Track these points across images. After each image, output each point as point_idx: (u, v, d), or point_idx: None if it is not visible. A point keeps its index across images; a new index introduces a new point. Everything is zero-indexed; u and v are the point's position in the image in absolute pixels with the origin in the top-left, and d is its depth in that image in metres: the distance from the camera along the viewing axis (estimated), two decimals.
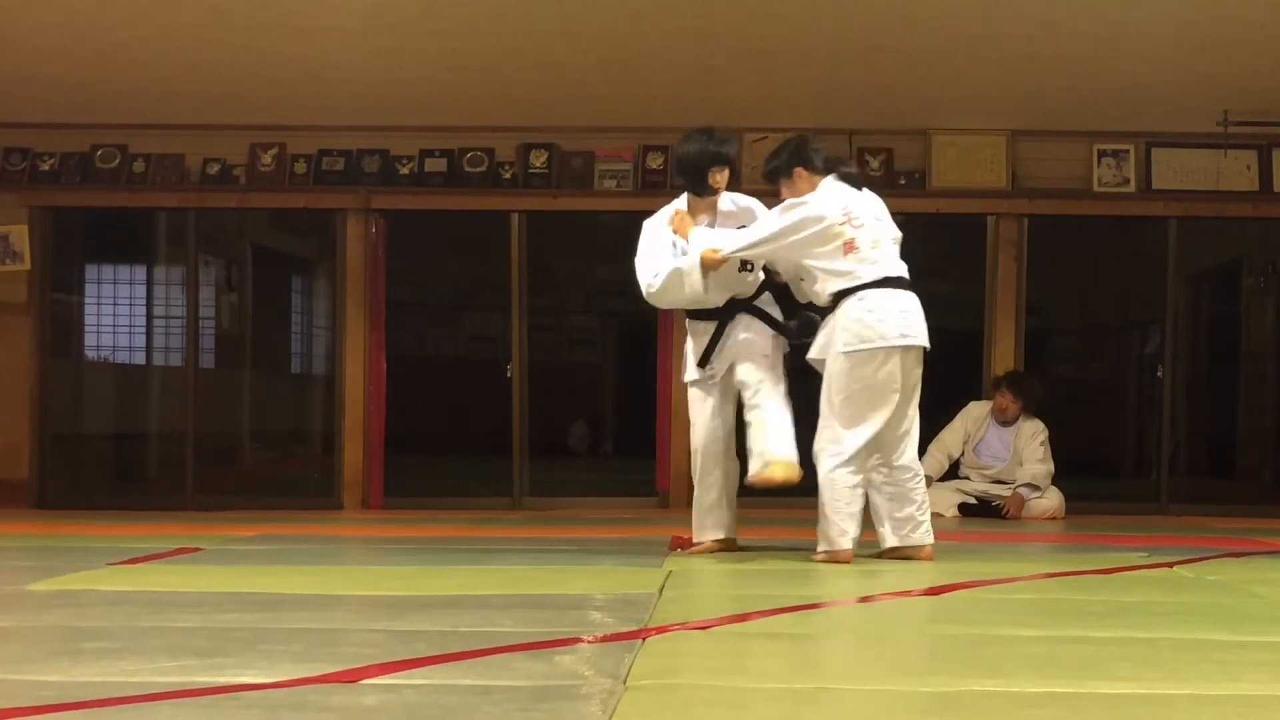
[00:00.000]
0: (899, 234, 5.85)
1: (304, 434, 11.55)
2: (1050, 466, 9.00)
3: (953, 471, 9.27)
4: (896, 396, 5.59)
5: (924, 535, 5.76)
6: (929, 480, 9.17)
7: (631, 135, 9.66)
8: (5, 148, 9.80)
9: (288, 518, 8.42)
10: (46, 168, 9.79)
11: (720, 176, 5.97)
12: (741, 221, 5.92)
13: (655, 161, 9.66)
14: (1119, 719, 2.76)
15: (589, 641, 3.50)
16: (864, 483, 5.62)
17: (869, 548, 5.79)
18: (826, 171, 5.79)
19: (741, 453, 5.97)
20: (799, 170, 5.80)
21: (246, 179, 9.74)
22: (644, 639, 3.53)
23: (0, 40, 8.16)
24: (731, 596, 4.82)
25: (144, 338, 11.03)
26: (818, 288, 5.68)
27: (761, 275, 5.94)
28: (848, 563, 5.53)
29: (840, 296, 5.60)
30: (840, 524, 5.55)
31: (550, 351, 12.40)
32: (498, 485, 9.88)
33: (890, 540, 5.77)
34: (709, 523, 5.99)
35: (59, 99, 9.24)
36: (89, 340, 11.02)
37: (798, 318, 5.88)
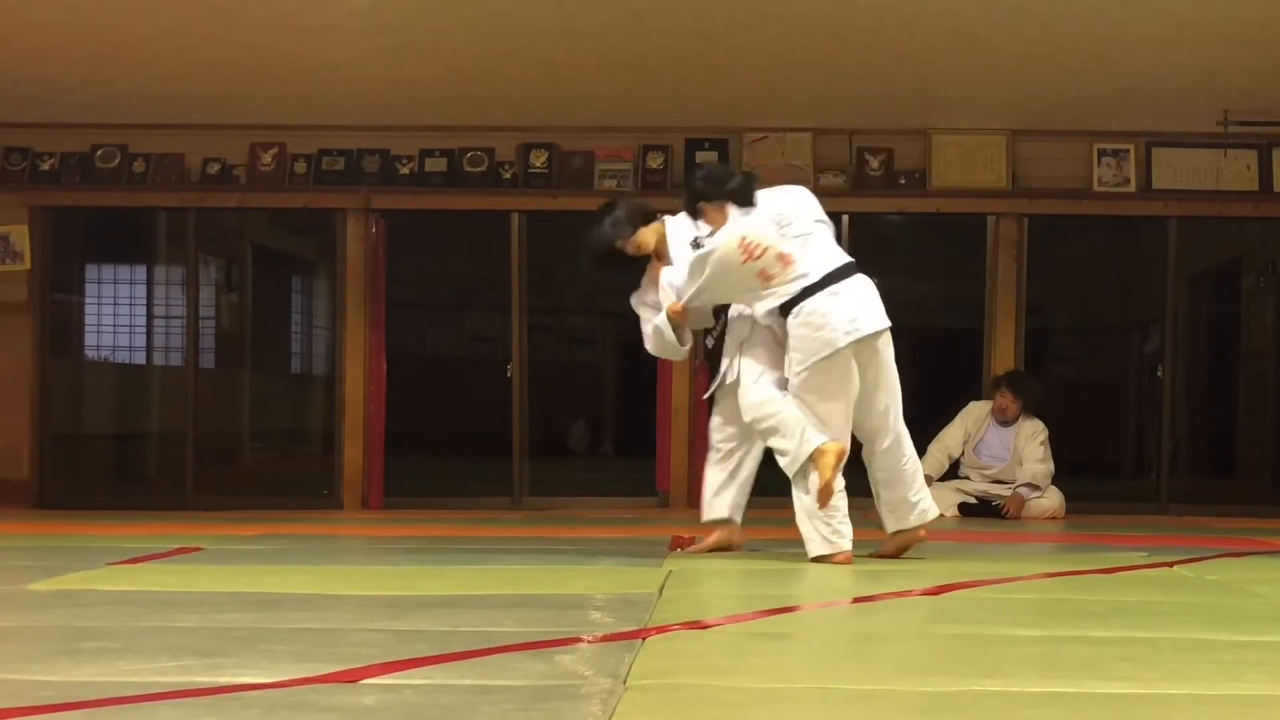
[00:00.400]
0: (827, 220, 5.80)
1: (304, 434, 11.55)
2: (1050, 466, 9.00)
3: (953, 471, 9.28)
4: (856, 389, 5.56)
5: (918, 517, 5.75)
6: (929, 480, 9.20)
7: (631, 135, 9.66)
8: (5, 148, 9.80)
9: (288, 518, 8.41)
10: (46, 168, 9.79)
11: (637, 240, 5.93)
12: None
13: (655, 161, 9.67)
14: (1119, 719, 2.76)
15: (589, 641, 3.50)
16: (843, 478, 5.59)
17: (866, 547, 5.79)
18: (726, 197, 5.71)
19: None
20: (702, 206, 5.78)
21: (246, 179, 9.75)
22: (644, 639, 3.53)
23: (0, 40, 8.16)
24: (731, 596, 4.82)
25: (144, 338, 11.03)
26: (759, 309, 5.67)
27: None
28: (848, 563, 5.52)
29: (783, 311, 5.57)
30: (833, 524, 5.54)
31: (550, 351, 12.40)
32: (498, 485, 9.88)
33: (889, 526, 5.79)
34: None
35: (59, 99, 9.24)
36: (89, 340, 11.02)
37: None
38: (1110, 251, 11.58)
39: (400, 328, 10.74)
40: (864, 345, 5.57)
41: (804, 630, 3.93)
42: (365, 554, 6.63)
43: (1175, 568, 5.59)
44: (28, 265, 9.78)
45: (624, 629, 3.71)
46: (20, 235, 9.76)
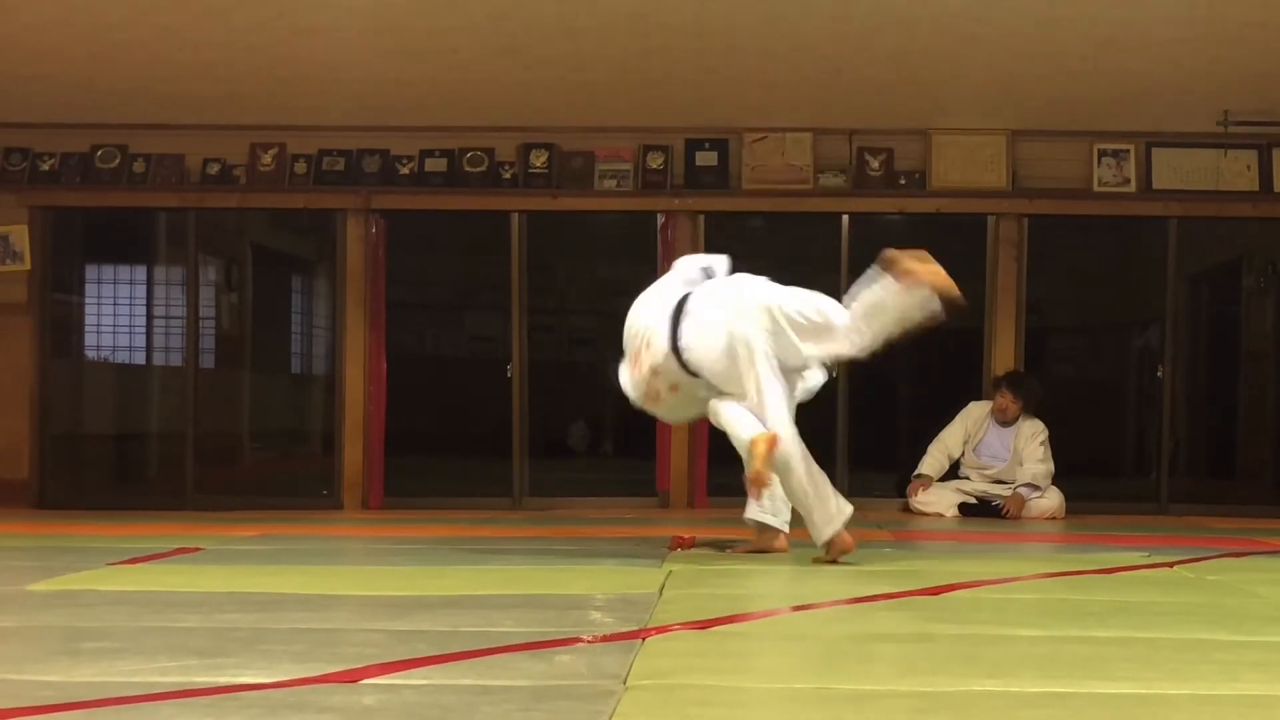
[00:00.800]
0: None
1: (304, 434, 11.54)
2: (1050, 466, 9.01)
3: (953, 472, 9.28)
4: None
5: (783, 523, 5.94)
6: (929, 480, 9.21)
7: (631, 135, 9.66)
8: (5, 148, 9.80)
9: (288, 518, 8.41)
10: (46, 168, 9.79)
11: None
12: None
13: (655, 161, 9.67)
14: (1119, 719, 2.76)
15: (589, 641, 3.50)
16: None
17: (868, 548, 5.79)
18: None
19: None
20: None
21: (246, 179, 9.75)
22: (644, 639, 3.53)
23: (0, 40, 8.16)
24: (731, 596, 4.81)
25: (144, 338, 11.03)
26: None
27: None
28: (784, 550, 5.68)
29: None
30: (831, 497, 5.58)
31: (550, 351, 12.39)
32: (498, 485, 9.88)
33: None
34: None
35: (59, 99, 9.24)
36: (89, 340, 11.02)
37: None
38: (1110, 251, 11.57)
39: (400, 328, 10.74)
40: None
41: (804, 630, 3.93)
42: (365, 554, 6.63)
43: (1175, 568, 5.60)
44: (28, 265, 9.78)
45: (624, 629, 3.72)
46: (20, 235, 9.76)
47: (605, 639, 3.54)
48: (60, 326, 10.34)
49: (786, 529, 5.96)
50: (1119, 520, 8.72)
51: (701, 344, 5.62)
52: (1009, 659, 3.38)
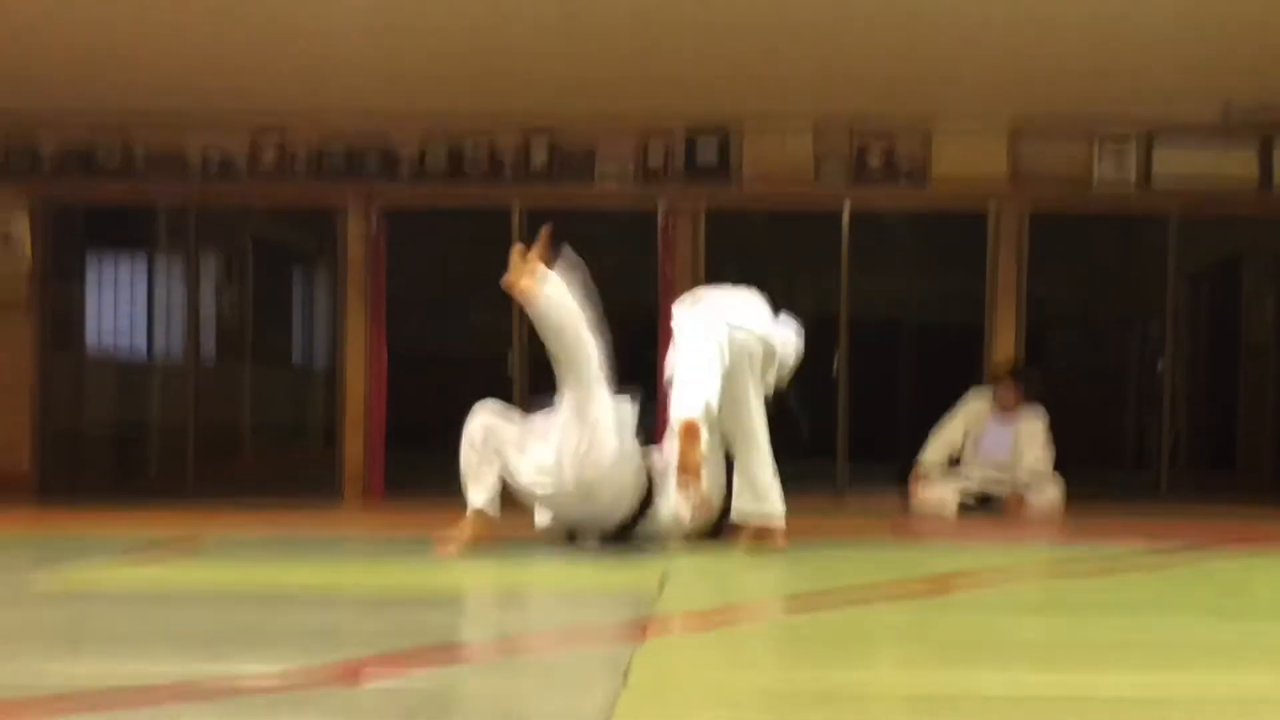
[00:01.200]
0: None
1: (305, 428, 11.55)
2: (1051, 453, 8.99)
3: (954, 467, 9.27)
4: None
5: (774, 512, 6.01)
6: (930, 471, 9.20)
7: (632, 128, 9.65)
8: (6, 140, 9.80)
9: (288, 512, 8.42)
10: (48, 160, 9.79)
11: None
12: None
13: (656, 155, 9.66)
14: (1119, 717, 2.76)
15: (589, 640, 3.50)
16: None
17: (868, 544, 5.79)
18: None
19: None
20: None
21: (248, 173, 9.74)
22: (644, 639, 3.54)
23: (1, 32, 8.15)
24: (732, 595, 4.82)
25: (145, 331, 11.03)
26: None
27: None
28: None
29: None
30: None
31: None
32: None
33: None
34: None
35: (60, 91, 9.23)
36: (90, 334, 11.02)
37: None
38: (1111, 246, 11.58)
39: (401, 321, 10.73)
40: None
41: (804, 629, 3.94)
42: (366, 549, 6.63)
43: (1175, 561, 5.60)
44: (28, 259, 9.78)
45: (624, 629, 3.72)
46: (21, 228, 9.75)
47: (605, 639, 3.54)
48: (61, 320, 10.34)
49: (779, 518, 5.94)
50: (1119, 513, 8.71)
51: None
52: (1009, 655, 3.38)
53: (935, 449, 9.23)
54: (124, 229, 11.10)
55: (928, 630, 3.91)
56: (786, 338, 6.06)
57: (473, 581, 4.95)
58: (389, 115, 9.56)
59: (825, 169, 9.58)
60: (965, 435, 9.24)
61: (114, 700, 2.73)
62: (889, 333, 12.72)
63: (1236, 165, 9.49)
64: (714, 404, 5.60)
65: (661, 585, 4.67)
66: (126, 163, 9.77)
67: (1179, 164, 9.52)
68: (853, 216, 9.66)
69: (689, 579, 4.96)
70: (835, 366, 9.66)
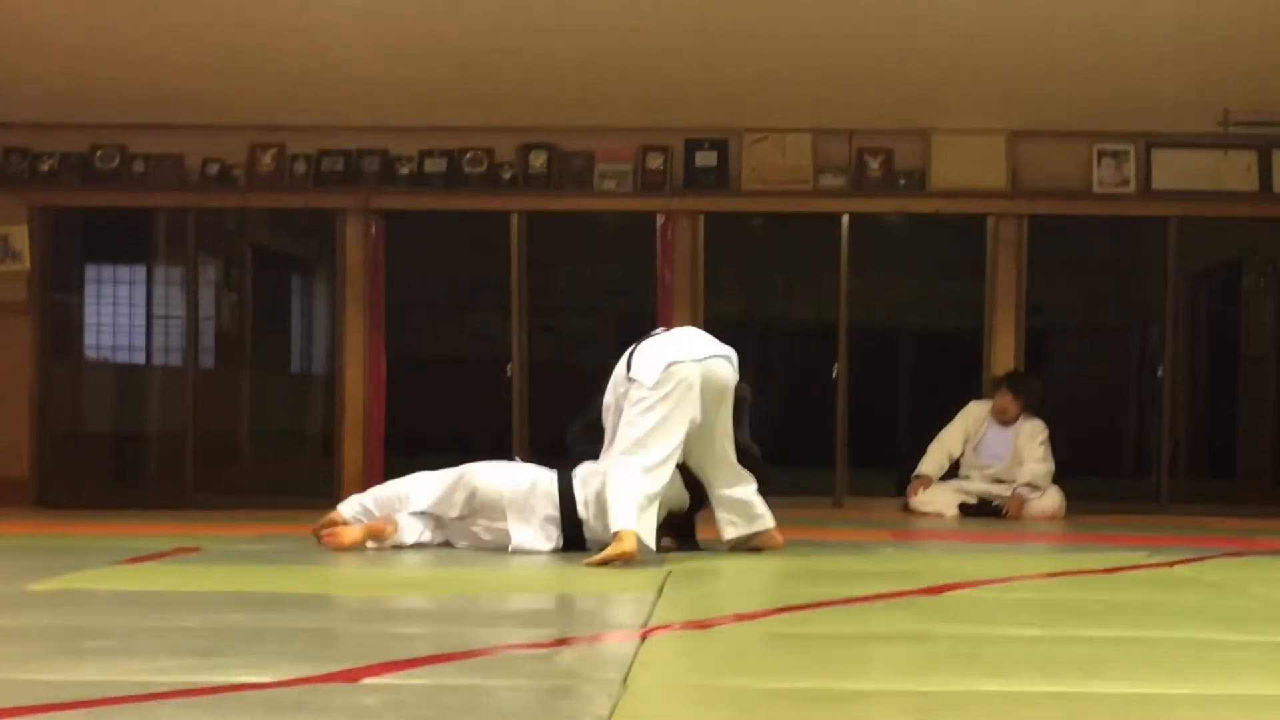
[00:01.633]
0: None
1: (303, 434, 11.55)
2: (1050, 466, 9.00)
3: (953, 471, 9.27)
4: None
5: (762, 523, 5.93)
6: (928, 480, 9.21)
7: (631, 135, 9.66)
8: (5, 148, 9.80)
9: (287, 518, 8.41)
10: (46, 168, 9.79)
11: None
12: None
13: (655, 162, 9.67)
14: (1119, 719, 2.76)
15: (589, 641, 3.50)
16: None
17: (867, 548, 5.79)
18: None
19: None
20: None
21: (246, 179, 9.74)
22: (644, 639, 3.53)
23: (0, 40, 8.15)
24: (731, 596, 4.82)
25: (144, 338, 11.03)
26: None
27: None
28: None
29: None
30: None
31: (550, 351, 12.40)
32: None
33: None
34: None
35: (59, 99, 9.24)
36: (89, 340, 11.02)
37: None
38: (1110, 252, 11.58)
39: (400, 328, 10.74)
40: None
41: (804, 630, 3.93)
42: (364, 554, 6.62)
43: (1175, 568, 5.59)
44: (28, 265, 9.78)
45: (624, 629, 3.72)
46: (20, 235, 9.75)
47: (605, 639, 3.54)
48: (60, 326, 10.34)
49: (771, 524, 5.92)
50: (1119, 520, 8.71)
51: None
52: (1008, 659, 3.38)
53: (934, 457, 9.23)
54: (123, 236, 11.10)
55: (927, 633, 3.90)
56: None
57: (472, 583, 4.94)
58: (388, 122, 9.56)
59: (824, 176, 9.58)
60: (965, 441, 9.24)
61: (112, 704, 2.73)
62: (889, 340, 12.73)
63: (1235, 171, 9.49)
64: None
65: (661, 586, 4.66)
66: (125, 170, 9.78)
67: (1178, 168, 9.51)
68: (852, 223, 9.66)
69: (689, 580, 4.95)
70: (834, 373, 9.65)
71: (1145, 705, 2.85)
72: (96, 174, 9.78)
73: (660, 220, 9.72)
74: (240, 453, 10.98)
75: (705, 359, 5.70)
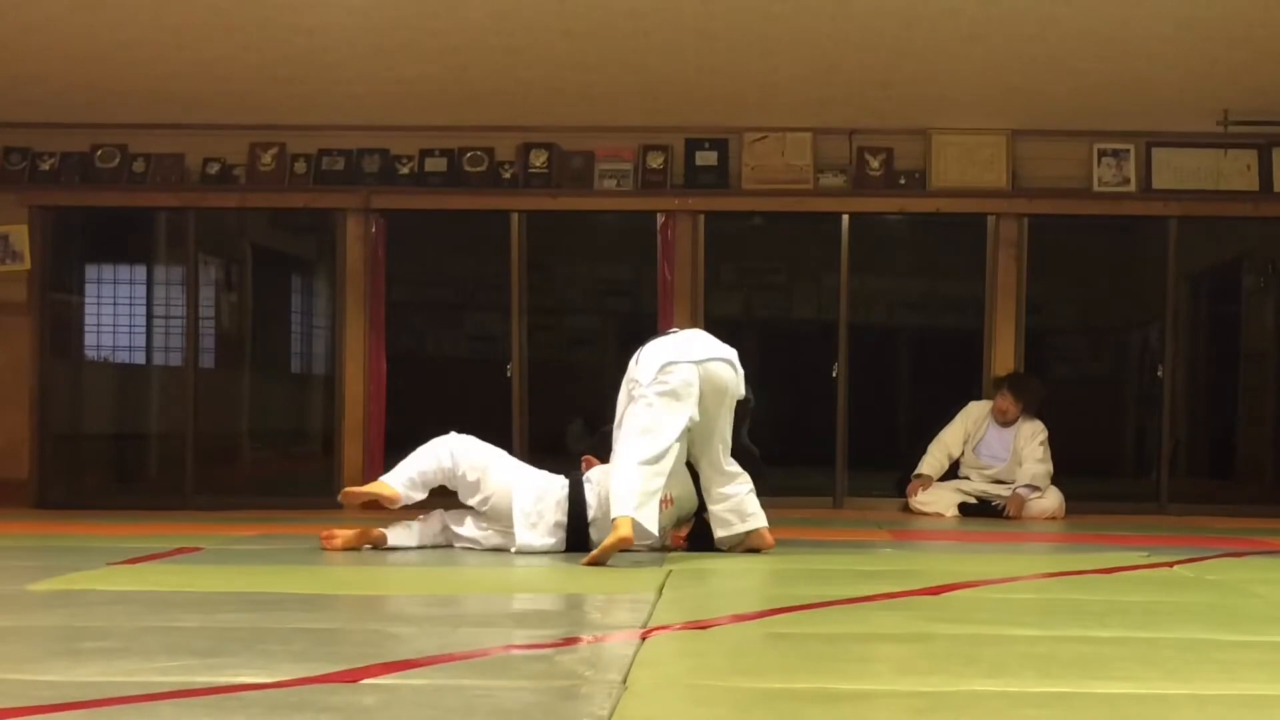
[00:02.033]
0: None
1: (304, 434, 11.54)
2: (1049, 467, 9.01)
3: (953, 472, 9.28)
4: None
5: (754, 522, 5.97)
6: (928, 480, 9.21)
7: (632, 135, 9.67)
8: (5, 148, 9.81)
9: (287, 518, 8.41)
10: (46, 167, 9.80)
11: None
12: None
13: (655, 161, 9.67)
14: (1119, 719, 2.76)
15: (589, 641, 3.50)
16: None
17: (867, 548, 5.79)
18: None
19: None
20: None
21: (246, 179, 9.75)
22: (644, 639, 3.53)
23: (0, 40, 8.15)
24: (731, 597, 4.82)
25: (144, 337, 11.03)
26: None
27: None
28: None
29: None
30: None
31: (550, 351, 12.39)
32: None
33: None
34: None
35: (59, 99, 9.24)
36: (89, 340, 11.02)
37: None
38: (1110, 251, 11.58)
39: (400, 327, 10.74)
40: None
41: (804, 630, 3.93)
42: (364, 554, 6.63)
43: (1175, 568, 5.60)
44: (27, 265, 9.79)
45: (624, 629, 3.72)
46: (20, 235, 9.76)
47: (605, 639, 3.54)
48: (60, 326, 10.35)
49: (763, 523, 5.94)
50: (1119, 520, 8.71)
51: None
52: (1008, 659, 3.38)
53: (934, 457, 9.23)
54: (123, 236, 11.10)
55: (927, 633, 3.90)
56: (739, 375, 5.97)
57: (472, 583, 4.94)
58: (388, 121, 9.56)
59: (824, 175, 9.58)
60: (965, 441, 9.25)
61: (112, 704, 2.73)
62: (888, 339, 12.73)
63: (1235, 171, 9.49)
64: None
65: (661, 587, 4.66)
66: (126, 169, 9.78)
67: (1178, 168, 9.52)
68: (852, 223, 9.66)
69: (689, 581, 4.95)
70: (834, 373, 9.65)
71: (1145, 705, 2.85)
72: (97, 174, 9.79)
73: (660, 219, 9.72)
74: (240, 453, 10.98)
75: (704, 360, 5.76)
